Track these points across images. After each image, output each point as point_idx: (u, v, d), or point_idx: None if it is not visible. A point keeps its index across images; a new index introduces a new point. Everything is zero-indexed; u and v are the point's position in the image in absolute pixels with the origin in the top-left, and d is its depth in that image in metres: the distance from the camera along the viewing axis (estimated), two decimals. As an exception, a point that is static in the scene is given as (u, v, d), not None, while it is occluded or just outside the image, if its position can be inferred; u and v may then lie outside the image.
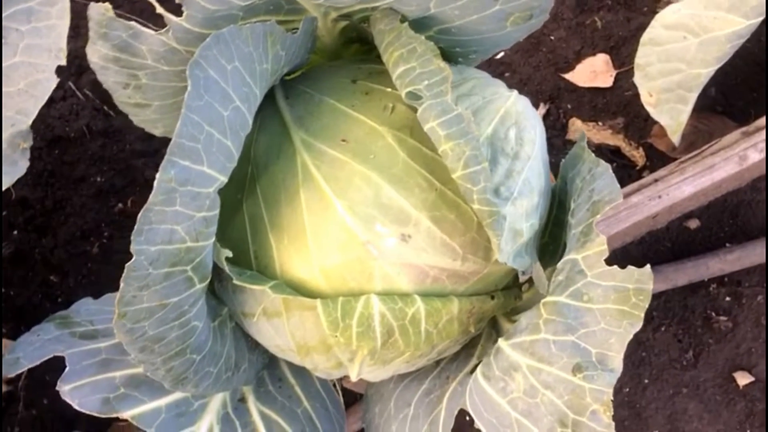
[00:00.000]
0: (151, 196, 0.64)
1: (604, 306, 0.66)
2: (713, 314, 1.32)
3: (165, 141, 1.46)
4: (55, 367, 0.94)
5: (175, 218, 0.64)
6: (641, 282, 0.66)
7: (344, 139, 0.74)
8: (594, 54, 1.45)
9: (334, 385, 1.00)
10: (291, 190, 0.74)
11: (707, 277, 1.30)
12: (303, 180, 0.73)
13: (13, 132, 0.95)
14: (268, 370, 0.93)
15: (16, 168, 0.96)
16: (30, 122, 0.95)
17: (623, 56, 1.45)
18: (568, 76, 1.43)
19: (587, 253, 0.68)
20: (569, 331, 0.67)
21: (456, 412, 0.81)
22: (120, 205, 1.42)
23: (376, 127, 0.74)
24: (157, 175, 0.63)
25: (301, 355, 0.80)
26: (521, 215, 0.71)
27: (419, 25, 0.75)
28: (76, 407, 0.77)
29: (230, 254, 0.71)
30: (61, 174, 1.46)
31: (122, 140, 1.46)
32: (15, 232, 1.40)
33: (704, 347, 1.31)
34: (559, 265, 0.71)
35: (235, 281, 0.72)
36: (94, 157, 1.44)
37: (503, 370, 0.71)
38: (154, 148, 1.47)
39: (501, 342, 0.73)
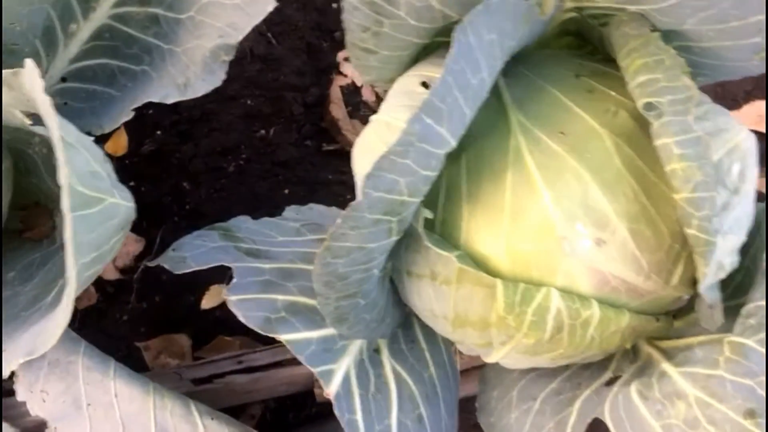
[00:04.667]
0: (390, 145, 0.65)
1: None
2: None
3: (317, 80, 1.50)
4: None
5: (402, 171, 0.66)
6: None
7: (562, 132, 0.74)
8: (763, 98, 1.42)
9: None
10: (497, 167, 0.75)
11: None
12: (513, 161, 0.74)
13: (220, 43, 0.99)
14: (402, 330, 0.95)
15: (213, 77, 1.00)
16: (239, 38, 0.98)
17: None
18: (734, 113, 1.39)
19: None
20: (749, 375, 0.67)
21: (589, 420, 0.82)
22: (263, 131, 1.45)
23: (596, 127, 0.74)
24: (404, 127, 0.64)
25: (454, 325, 0.82)
26: (728, 251, 0.70)
27: (661, 36, 0.74)
28: (242, 319, 0.81)
29: (431, 215, 0.73)
30: (215, 88, 1.50)
31: (278, 70, 1.49)
32: (159, 133, 1.45)
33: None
34: (751, 308, 0.70)
35: (425, 242, 0.74)
36: (250, 79, 1.47)
37: (665, 395, 0.72)
38: (306, 85, 1.49)
39: (668, 367, 0.74)
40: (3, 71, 0.80)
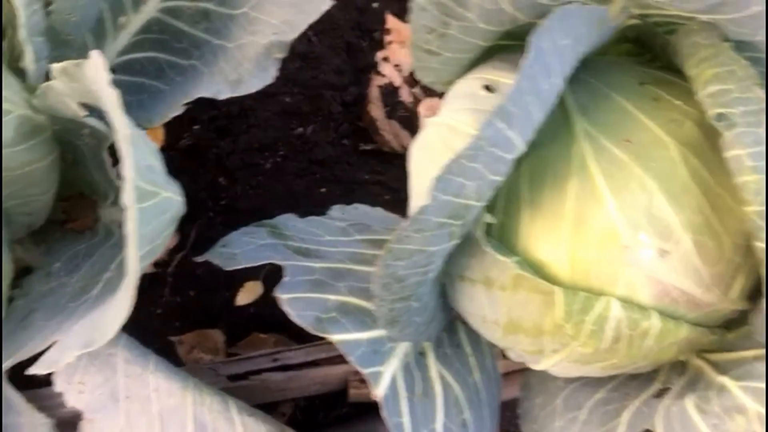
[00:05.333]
0: (461, 149, 0.64)
1: None
2: None
3: (356, 79, 1.49)
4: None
5: (471, 174, 0.65)
6: None
7: (628, 140, 0.74)
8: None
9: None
10: (561, 174, 0.74)
11: None
12: (578, 169, 0.73)
13: (274, 40, 0.98)
14: (447, 333, 0.94)
15: (265, 75, 1.00)
16: (293, 36, 0.98)
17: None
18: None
19: None
20: (815, 394, 0.66)
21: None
22: (300, 129, 1.45)
23: (662, 136, 0.74)
24: (476, 131, 0.63)
25: (506, 331, 0.81)
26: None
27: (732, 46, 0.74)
28: (294, 318, 0.81)
29: (494, 221, 0.73)
30: (254, 84, 1.51)
31: (318, 68, 1.49)
32: (196, 127, 1.45)
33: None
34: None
35: (483, 246, 0.74)
36: (289, 77, 1.47)
37: (724, 409, 0.71)
38: (344, 84, 1.49)
39: (726, 380, 0.73)
40: (66, 62, 0.80)
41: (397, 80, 1.52)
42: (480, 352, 0.95)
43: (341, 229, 0.97)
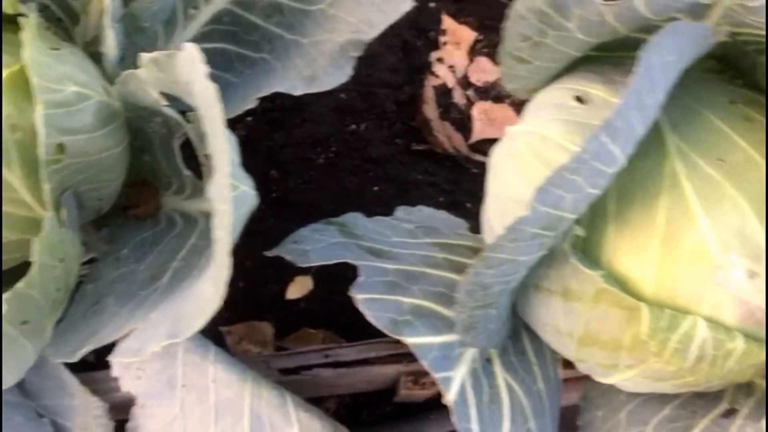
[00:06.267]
0: (564, 161, 0.64)
1: None
2: None
3: (410, 78, 1.49)
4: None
5: (569, 187, 0.65)
6: None
7: (721, 159, 0.73)
8: None
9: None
10: (651, 190, 0.74)
11: None
12: (669, 186, 0.73)
13: (351, 38, 0.98)
14: (512, 341, 0.94)
15: (340, 72, 0.99)
16: (372, 36, 0.98)
17: None
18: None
19: None
20: None
21: (708, 451, 0.81)
22: (354, 126, 1.45)
23: (755, 157, 0.73)
24: (581, 144, 0.63)
25: (580, 344, 0.81)
26: None
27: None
28: (370, 319, 0.81)
29: (583, 233, 0.72)
30: (309, 79, 1.51)
31: (373, 66, 1.49)
32: (249, 119, 1.45)
33: None
34: None
35: (570, 259, 0.74)
36: (345, 73, 1.46)
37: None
38: (399, 83, 1.49)
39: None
40: (157, 52, 0.81)
41: (451, 81, 1.52)
42: (543, 360, 0.95)
43: (409, 231, 0.97)
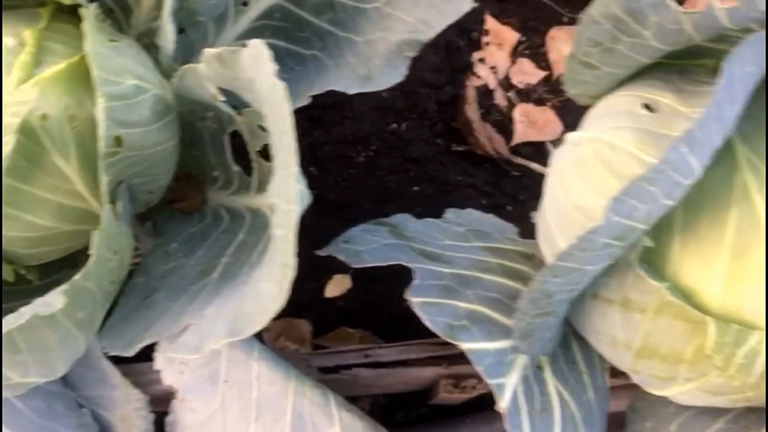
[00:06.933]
0: (642, 171, 0.63)
1: None
2: None
3: (452, 78, 1.48)
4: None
5: (645, 197, 0.64)
6: None
7: (791, 172, 0.72)
8: None
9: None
10: (720, 203, 0.73)
11: None
12: (739, 198, 0.72)
13: (407, 38, 0.97)
14: (561, 348, 0.93)
15: (395, 73, 0.99)
16: (430, 36, 0.97)
17: None
18: None
19: None
20: None
21: (764, 468, 0.79)
22: (394, 125, 1.44)
23: (828, 172, 0.72)
24: (661, 154, 0.62)
25: (638, 355, 0.80)
26: None
27: None
28: (426, 323, 0.80)
29: (652, 245, 0.71)
30: (351, 76, 1.50)
31: (415, 66, 1.45)
32: (289, 115, 1.45)
33: None
34: None
35: (636, 269, 0.73)
36: (387, 72, 1.46)
37: None
38: (441, 82, 1.48)
39: None
40: (222, 48, 0.80)
41: (492, 83, 1.51)
42: (593, 369, 0.94)
43: (460, 234, 0.96)
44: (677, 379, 0.79)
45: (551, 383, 0.89)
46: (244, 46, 1.12)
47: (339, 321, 1.30)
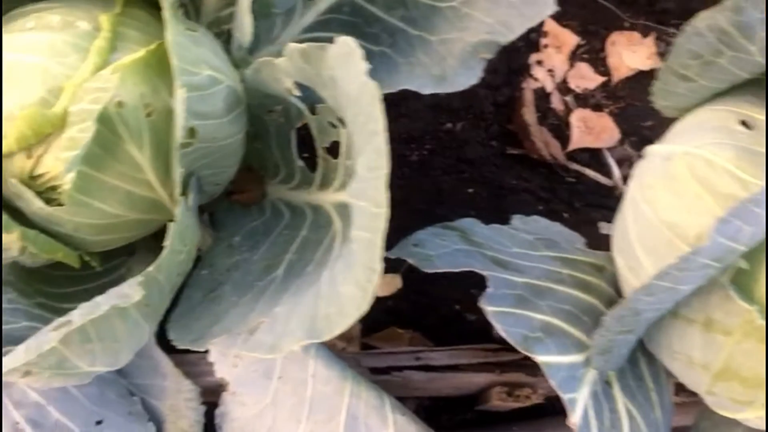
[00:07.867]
0: (750, 193, 0.61)
1: None
2: None
3: (509, 80, 1.45)
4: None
5: (751, 219, 0.62)
6: None
7: None
8: None
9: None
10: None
11: None
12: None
13: (485, 39, 0.95)
14: (629, 364, 0.91)
15: (471, 74, 0.97)
16: (510, 39, 0.95)
17: None
18: None
19: None
20: None
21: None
22: (449, 125, 1.43)
23: None
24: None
25: (717, 377, 0.78)
26: None
27: None
28: (502, 333, 0.78)
29: (747, 266, 0.69)
30: (408, 73, 1.48)
31: (474, 65, 1.45)
32: (343, 110, 1.43)
33: None
34: None
35: (728, 290, 0.70)
36: (446, 71, 1.43)
37: None
38: (497, 84, 1.46)
39: None
40: (308, 44, 0.79)
41: (550, 86, 1.48)
42: (660, 387, 0.92)
43: (529, 242, 0.94)
44: (755, 403, 0.77)
45: (620, 400, 0.87)
46: (314, 40, 1.12)
47: (388, 321, 1.28)
